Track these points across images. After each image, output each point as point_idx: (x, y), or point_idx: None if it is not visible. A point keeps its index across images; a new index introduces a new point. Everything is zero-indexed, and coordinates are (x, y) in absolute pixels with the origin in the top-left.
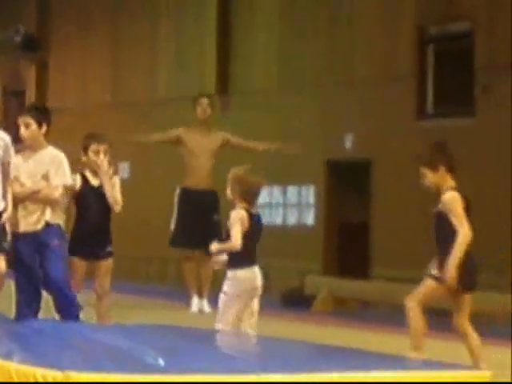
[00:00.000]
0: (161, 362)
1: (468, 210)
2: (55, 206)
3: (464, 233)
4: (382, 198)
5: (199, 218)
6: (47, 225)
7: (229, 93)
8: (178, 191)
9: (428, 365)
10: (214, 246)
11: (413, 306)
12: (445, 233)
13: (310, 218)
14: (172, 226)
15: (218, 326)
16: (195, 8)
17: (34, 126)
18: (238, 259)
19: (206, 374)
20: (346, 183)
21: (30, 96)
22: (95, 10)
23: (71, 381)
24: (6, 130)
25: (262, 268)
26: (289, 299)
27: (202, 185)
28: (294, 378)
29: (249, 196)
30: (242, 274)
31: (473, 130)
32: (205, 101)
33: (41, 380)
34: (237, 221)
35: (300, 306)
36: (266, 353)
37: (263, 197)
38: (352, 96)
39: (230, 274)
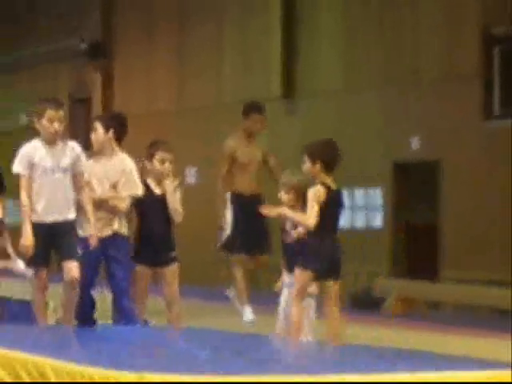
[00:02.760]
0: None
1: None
2: (122, 216)
3: None
4: (450, 198)
5: (252, 223)
6: (114, 234)
7: (294, 96)
8: (228, 196)
9: (497, 366)
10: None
11: None
12: None
13: (377, 220)
14: (227, 232)
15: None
16: (260, 12)
17: (100, 130)
18: None
19: (274, 375)
20: (414, 184)
21: (96, 103)
22: (160, 16)
23: (145, 381)
24: (73, 137)
25: None
26: (358, 302)
27: (251, 189)
28: (364, 379)
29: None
30: None
31: None
32: (261, 118)
33: (113, 381)
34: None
35: (369, 309)
36: (338, 356)
37: None
38: (418, 97)
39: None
